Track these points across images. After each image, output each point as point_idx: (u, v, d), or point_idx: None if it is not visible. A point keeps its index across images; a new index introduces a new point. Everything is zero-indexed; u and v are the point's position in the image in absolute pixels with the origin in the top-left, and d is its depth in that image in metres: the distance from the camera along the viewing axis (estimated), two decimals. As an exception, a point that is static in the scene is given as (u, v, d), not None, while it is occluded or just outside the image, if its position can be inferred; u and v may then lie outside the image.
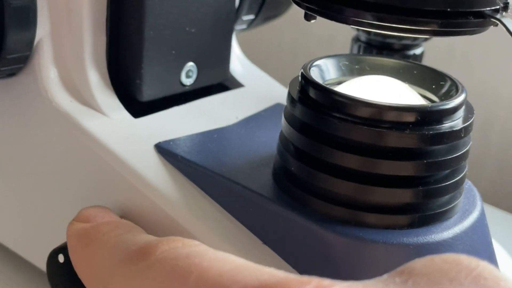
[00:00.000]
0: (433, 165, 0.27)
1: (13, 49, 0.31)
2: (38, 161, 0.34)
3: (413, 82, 0.30)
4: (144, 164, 0.31)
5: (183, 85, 0.36)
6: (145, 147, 0.32)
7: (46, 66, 0.33)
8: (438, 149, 0.27)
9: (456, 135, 0.27)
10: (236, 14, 0.39)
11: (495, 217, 0.49)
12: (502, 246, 0.36)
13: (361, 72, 0.31)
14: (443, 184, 0.27)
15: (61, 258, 0.29)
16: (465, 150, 0.28)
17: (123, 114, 0.34)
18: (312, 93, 0.28)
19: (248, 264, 0.21)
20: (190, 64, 0.36)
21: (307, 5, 0.27)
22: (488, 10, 0.26)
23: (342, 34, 0.64)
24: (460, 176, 0.28)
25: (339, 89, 0.29)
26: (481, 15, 0.26)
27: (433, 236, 0.27)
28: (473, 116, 0.28)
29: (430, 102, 0.29)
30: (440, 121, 0.27)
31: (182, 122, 0.34)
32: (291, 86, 0.29)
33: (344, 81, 0.30)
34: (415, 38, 0.40)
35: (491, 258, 0.29)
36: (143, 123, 0.34)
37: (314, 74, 0.29)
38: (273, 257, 0.28)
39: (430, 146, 0.26)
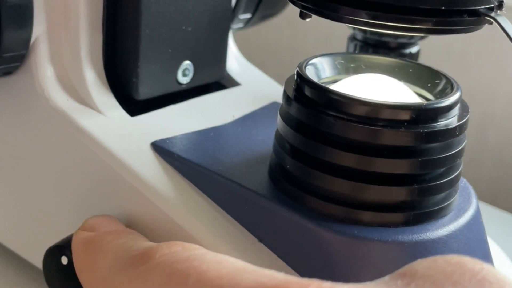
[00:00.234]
0: (428, 163, 0.27)
1: (10, 47, 0.31)
2: (35, 159, 0.34)
3: (408, 80, 0.30)
4: (140, 163, 0.31)
5: (180, 84, 0.36)
6: (141, 146, 0.32)
7: (43, 65, 0.33)
8: (433, 147, 0.27)
9: (451, 133, 0.27)
10: (233, 13, 0.39)
11: (493, 216, 0.49)
12: (499, 244, 0.36)
13: (357, 70, 0.31)
14: (438, 182, 0.27)
15: (64, 260, 0.30)
16: (460, 148, 0.28)
17: (120, 112, 0.34)
18: (307, 91, 0.28)
19: (248, 267, 0.21)
20: (187, 63, 0.36)
21: (302, 3, 0.27)
22: (483, 8, 0.26)
23: (339, 33, 0.64)
24: (455, 174, 0.28)
25: (335, 87, 0.29)
26: (476, 13, 0.26)
27: (428, 234, 0.27)
28: (468, 114, 0.28)
29: (425, 100, 0.29)
30: (435, 119, 0.27)
31: (178, 121, 0.34)
32: (286, 84, 0.29)
33: (340, 80, 0.30)
34: (411, 37, 0.40)
35: (486, 256, 0.29)
36: (139, 121, 0.34)
37: (310, 73, 0.29)
38: (268, 255, 0.28)
39: (425, 144, 0.26)
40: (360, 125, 0.26)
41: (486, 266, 0.19)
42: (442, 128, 0.27)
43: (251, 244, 0.29)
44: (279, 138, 0.29)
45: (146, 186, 0.30)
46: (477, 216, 0.29)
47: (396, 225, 0.27)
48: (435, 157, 0.27)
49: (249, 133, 0.34)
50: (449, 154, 0.27)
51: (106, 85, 0.34)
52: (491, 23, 0.26)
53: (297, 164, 0.28)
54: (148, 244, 0.26)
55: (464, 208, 0.29)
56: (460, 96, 0.28)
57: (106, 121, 0.33)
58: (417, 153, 0.27)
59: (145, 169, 0.31)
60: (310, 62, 0.30)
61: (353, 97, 0.26)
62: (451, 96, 0.27)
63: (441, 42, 0.61)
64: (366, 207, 0.27)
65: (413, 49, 0.42)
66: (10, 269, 0.38)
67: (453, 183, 0.28)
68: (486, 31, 0.28)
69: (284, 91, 0.29)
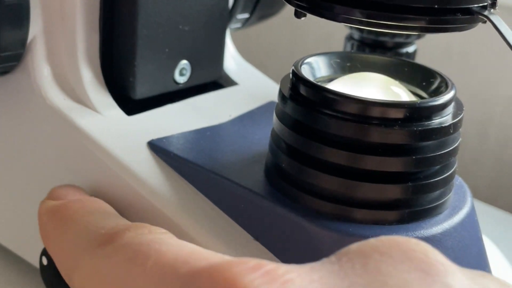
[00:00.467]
0: (422, 161, 0.27)
1: (6, 47, 0.31)
2: (32, 158, 0.34)
3: (403, 79, 0.30)
4: (137, 162, 0.31)
5: (177, 83, 0.36)
6: (138, 145, 0.32)
7: (40, 64, 0.33)
8: (427, 145, 0.27)
9: (445, 131, 0.27)
10: (230, 13, 0.40)
11: (493, 216, 0.49)
12: (500, 244, 0.36)
13: (352, 69, 0.31)
14: (432, 180, 0.27)
15: (44, 261, 0.30)
16: (455, 146, 0.28)
17: (117, 111, 0.34)
18: (302, 90, 0.28)
19: (204, 251, 0.22)
20: (184, 62, 0.36)
21: (297, 2, 0.27)
22: (476, 7, 0.26)
23: (339, 33, 0.64)
24: (449, 172, 0.28)
25: (330, 86, 0.29)
26: (469, 12, 0.26)
27: (422, 232, 0.27)
28: (462, 112, 0.28)
29: (420, 99, 0.29)
30: (429, 117, 0.27)
31: (175, 120, 0.34)
32: (282, 83, 0.29)
33: (335, 79, 0.30)
34: (408, 36, 0.40)
35: (481, 254, 0.29)
36: (136, 120, 0.34)
37: (305, 72, 0.29)
38: (264, 253, 0.28)
39: (419, 142, 0.27)
40: (354, 123, 0.26)
41: (413, 240, 0.21)
42: (436, 126, 0.27)
43: (247, 242, 0.29)
44: (275, 137, 0.29)
45: (143, 185, 0.30)
46: (471, 214, 0.29)
47: (390, 222, 0.27)
48: (429, 155, 0.27)
49: (245, 132, 0.34)
50: (443, 152, 0.27)
51: (103, 84, 0.34)
52: (485, 21, 0.26)
53: (292, 162, 0.28)
54: (115, 221, 0.26)
55: (459, 206, 0.29)
56: (455, 95, 0.28)
57: (103, 120, 0.33)
58: (412, 151, 0.27)
59: (142, 168, 0.31)
60: (306, 61, 0.30)
61: (348, 95, 0.27)
62: (445, 94, 0.28)
63: (441, 42, 0.61)
64: (360, 205, 0.27)
65: (410, 49, 0.42)
66: (10, 269, 0.38)
67: (448, 181, 0.28)
68: (485, 31, 0.28)
69: (280, 90, 0.29)
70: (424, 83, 0.30)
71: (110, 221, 0.26)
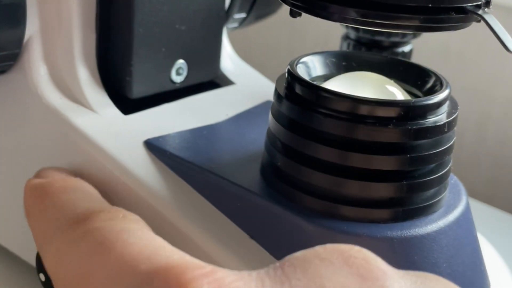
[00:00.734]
0: (417, 160, 0.27)
1: (3, 46, 0.31)
2: (28, 157, 0.34)
3: (398, 78, 0.30)
4: (133, 161, 0.31)
5: (173, 83, 0.36)
6: (134, 144, 0.32)
7: (36, 64, 0.33)
8: (422, 143, 0.27)
9: (439, 130, 0.27)
10: (227, 13, 0.40)
11: (490, 216, 0.49)
12: (497, 244, 0.36)
13: (348, 68, 0.31)
14: (427, 179, 0.28)
15: (42, 277, 0.30)
16: (449, 145, 0.28)
17: (113, 111, 0.34)
18: (298, 89, 0.28)
19: (169, 248, 0.23)
20: (180, 62, 0.36)
21: (292, 1, 0.28)
22: (470, 5, 0.26)
23: (337, 32, 0.64)
24: (444, 171, 0.28)
25: (325, 85, 0.29)
26: (463, 10, 0.26)
27: (417, 230, 0.27)
28: (457, 111, 0.28)
29: (414, 98, 0.29)
30: (423, 116, 0.27)
31: (172, 119, 0.34)
32: (278, 82, 0.29)
33: (331, 78, 0.30)
34: (404, 36, 0.40)
35: (475, 252, 0.29)
36: (132, 120, 0.34)
37: (301, 71, 0.29)
38: (260, 251, 0.28)
39: (414, 141, 0.27)
40: (349, 122, 0.26)
41: (356, 247, 0.22)
42: (431, 125, 0.27)
43: (243, 241, 0.29)
44: (270, 136, 0.29)
45: (139, 184, 0.30)
46: (466, 213, 0.29)
47: (385, 221, 0.27)
48: (424, 153, 0.27)
49: (242, 132, 0.34)
50: (438, 150, 0.27)
51: (99, 84, 0.34)
52: (479, 20, 0.26)
53: (288, 161, 0.28)
54: (93, 203, 0.27)
55: (454, 204, 0.29)
56: (449, 93, 0.28)
57: (100, 119, 0.33)
58: (406, 150, 0.27)
59: (138, 167, 0.31)
60: (301, 60, 0.30)
61: (343, 94, 0.27)
62: (439, 93, 0.28)
63: (438, 41, 0.61)
64: (355, 203, 0.27)
65: (406, 48, 0.42)
66: (10, 269, 0.38)
67: (443, 179, 0.28)
68: (483, 30, 0.28)
69: (276, 89, 0.29)
70: (419, 82, 0.30)
71: (87, 202, 0.27)
